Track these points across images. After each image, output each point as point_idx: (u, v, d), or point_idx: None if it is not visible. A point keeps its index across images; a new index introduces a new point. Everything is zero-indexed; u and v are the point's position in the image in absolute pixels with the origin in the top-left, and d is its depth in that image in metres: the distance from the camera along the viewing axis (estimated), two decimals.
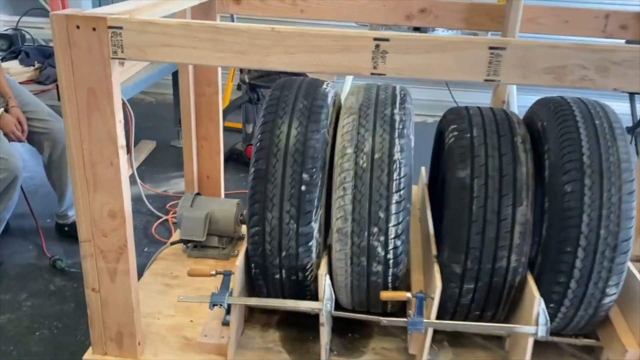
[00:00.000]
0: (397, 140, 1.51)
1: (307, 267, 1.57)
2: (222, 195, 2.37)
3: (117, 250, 1.47)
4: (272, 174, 1.52)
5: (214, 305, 1.53)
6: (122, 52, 1.25)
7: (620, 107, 2.48)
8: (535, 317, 1.44)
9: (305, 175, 1.51)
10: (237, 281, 1.55)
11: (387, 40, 1.20)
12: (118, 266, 1.49)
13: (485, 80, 1.23)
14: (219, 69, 2.16)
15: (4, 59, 3.13)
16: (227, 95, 4.23)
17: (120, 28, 1.23)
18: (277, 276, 1.59)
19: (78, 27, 1.23)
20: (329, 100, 1.63)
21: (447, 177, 1.54)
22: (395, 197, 1.47)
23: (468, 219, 1.45)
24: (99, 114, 1.32)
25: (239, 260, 1.56)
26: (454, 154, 1.52)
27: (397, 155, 1.49)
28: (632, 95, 3.48)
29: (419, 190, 2.15)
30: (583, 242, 1.40)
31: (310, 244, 1.53)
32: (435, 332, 1.71)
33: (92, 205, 1.42)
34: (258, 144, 1.55)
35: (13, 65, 2.99)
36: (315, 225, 1.52)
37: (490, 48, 1.19)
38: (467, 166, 1.48)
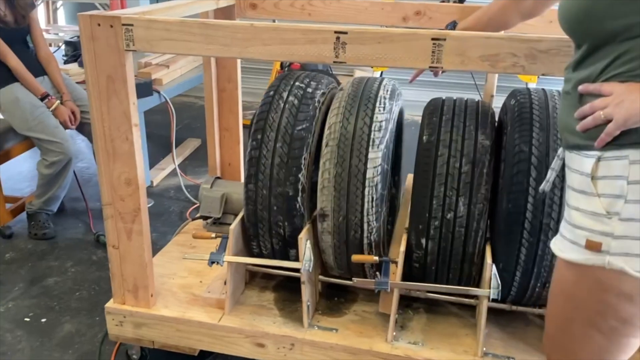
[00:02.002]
0: (378, 107, 1.73)
1: (293, 208, 1.76)
2: (242, 181, 2.63)
3: (132, 212, 1.75)
4: (270, 124, 1.79)
5: (212, 263, 1.78)
6: (134, 45, 1.54)
7: None
8: (488, 281, 1.61)
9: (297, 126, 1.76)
10: (232, 242, 1.80)
11: (345, 33, 1.43)
12: (133, 226, 1.77)
13: (430, 67, 1.43)
14: (239, 68, 2.43)
15: (66, 62, 3.56)
16: None
17: (132, 25, 1.52)
18: (266, 216, 1.79)
19: (99, 24, 1.53)
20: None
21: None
22: (373, 147, 1.67)
23: (433, 170, 1.65)
24: (116, 96, 1.61)
25: (234, 224, 1.81)
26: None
27: (377, 116, 1.72)
28: None
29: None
30: (528, 226, 1.55)
31: (297, 185, 1.74)
32: (413, 300, 1.91)
33: (111, 174, 1.72)
34: (262, 101, 1.83)
35: (72, 67, 3.41)
36: (302, 169, 1.74)
37: (433, 39, 1.39)
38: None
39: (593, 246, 1.04)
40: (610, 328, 1.09)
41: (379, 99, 1.77)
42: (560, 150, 1.24)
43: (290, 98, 1.81)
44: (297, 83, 1.86)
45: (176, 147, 3.66)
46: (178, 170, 3.49)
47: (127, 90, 1.60)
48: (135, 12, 1.58)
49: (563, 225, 1.14)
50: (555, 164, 1.29)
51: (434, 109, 1.78)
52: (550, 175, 1.31)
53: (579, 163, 1.08)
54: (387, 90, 1.82)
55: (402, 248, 1.68)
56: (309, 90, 1.84)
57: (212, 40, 1.48)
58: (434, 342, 1.75)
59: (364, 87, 1.80)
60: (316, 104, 1.82)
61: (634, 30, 1.00)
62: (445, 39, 1.38)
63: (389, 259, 1.67)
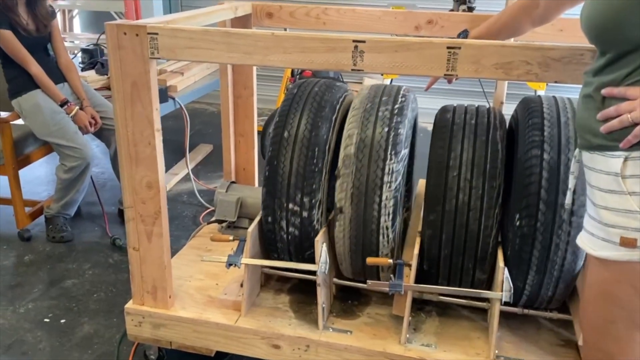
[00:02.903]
0: (400, 98, 1.82)
1: (311, 209, 1.81)
2: (256, 186, 2.69)
3: (153, 215, 1.80)
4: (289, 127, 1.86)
5: (229, 265, 1.82)
6: (158, 52, 1.59)
7: None
8: (500, 284, 1.64)
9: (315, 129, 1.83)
10: (249, 245, 1.84)
11: (363, 42, 1.48)
12: (154, 229, 1.82)
13: (445, 75, 1.47)
14: (254, 75, 2.49)
15: (83, 69, 3.63)
16: (279, 102, 4.60)
17: (157, 34, 1.57)
18: (284, 218, 1.84)
19: (125, 33, 1.59)
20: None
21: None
22: (391, 150, 1.73)
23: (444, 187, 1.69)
24: (140, 102, 1.67)
25: (252, 228, 1.85)
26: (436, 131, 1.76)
27: (395, 119, 1.79)
28: None
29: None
30: (542, 207, 1.58)
31: (314, 186, 1.79)
32: (425, 303, 1.94)
33: (134, 177, 1.77)
34: (281, 104, 1.90)
35: (90, 74, 3.47)
36: (320, 171, 1.80)
37: (448, 47, 1.44)
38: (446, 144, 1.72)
39: (628, 243, 1.07)
40: None
41: (397, 105, 1.82)
42: (576, 152, 1.27)
43: (308, 105, 1.86)
44: (314, 89, 1.91)
45: (189, 152, 3.72)
46: (191, 175, 3.54)
47: (150, 96, 1.65)
48: (159, 22, 1.63)
49: (591, 224, 1.17)
50: (574, 168, 1.32)
51: (446, 116, 1.83)
52: (572, 182, 1.35)
53: (605, 163, 1.12)
54: (405, 97, 1.87)
55: (416, 251, 1.72)
56: (326, 97, 1.88)
57: (234, 48, 1.53)
58: (447, 344, 1.78)
59: (382, 93, 1.85)
60: (334, 110, 1.87)
61: None
62: (460, 47, 1.43)
63: (403, 261, 1.71)
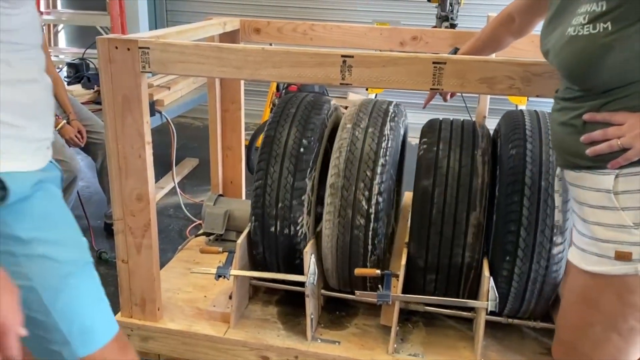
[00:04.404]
0: (388, 123, 1.83)
1: (299, 220, 1.84)
2: (243, 198, 2.70)
3: (142, 227, 1.81)
4: (278, 139, 1.87)
5: (219, 276, 1.84)
6: (149, 66, 1.62)
7: None
8: (486, 293, 1.68)
9: (304, 141, 1.85)
10: (238, 257, 1.86)
11: (351, 57, 1.52)
12: (143, 241, 1.83)
13: (431, 89, 1.52)
14: (242, 89, 2.52)
15: (69, 84, 3.63)
16: (265, 116, 4.63)
17: (148, 48, 1.60)
18: (272, 229, 1.86)
19: (117, 47, 1.61)
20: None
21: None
22: (381, 161, 1.77)
23: (428, 221, 1.73)
24: (130, 115, 1.68)
25: (240, 239, 1.87)
26: (421, 165, 1.79)
27: (387, 132, 1.81)
28: None
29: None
30: (525, 222, 1.63)
31: (302, 197, 1.83)
32: (412, 313, 1.97)
33: (124, 190, 1.78)
34: (270, 117, 1.92)
35: (76, 88, 3.48)
36: (308, 182, 1.83)
37: (434, 63, 1.49)
38: (431, 176, 1.75)
39: (623, 256, 1.11)
40: (629, 329, 1.16)
41: (387, 118, 1.86)
42: (558, 170, 1.31)
43: (297, 119, 1.89)
44: (303, 103, 1.95)
45: (175, 166, 3.72)
46: (177, 189, 3.55)
47: (141, 109, 1.67)
48: (150, 36, 1.66)
49: (582, 240, 1.20)
50: (557, 185, 1.36)
51: (432, 129, 1.87)
52: (557, 200, 1.39)
53: (594, 181, 1.15)
54: (396, 112, 1.91)
55: (403, 261, 1.75)
56: (314, 111, 1.92)
57: (225, 62, 1.56)
58: (434, 354, 1.81)
59: (372, 107, 1.89)
60: (322, 124, 1.90)
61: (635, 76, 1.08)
62: (445, 63, 1.48)
63: (391, 272, 1.74)
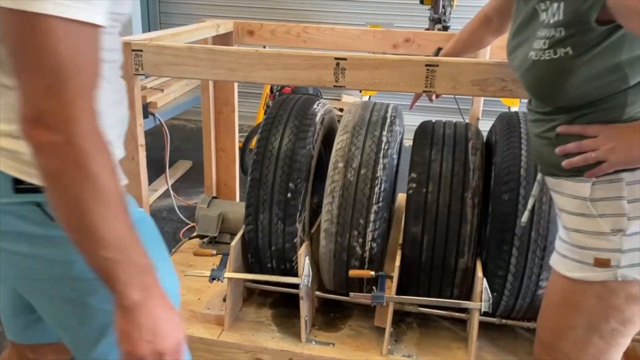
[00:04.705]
0: (381, 160, 1.79)
1: (293, 259, 1.87)
2: (237, 200, 2.70)
3: None
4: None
5: (213, 279, 1.83)
6: (142, 69, 1.62)
7: None
8: (479, 294, 1.69)
9: (291, 184, 1.83)
10: (232, 259, 1.86)
11: (345, 59, 1.53)
12: None
13: (424, 91, 1.52)
14: (236, 92, 2.52)
15: None
16: (259, 118, 4.63)
17: (141, 50, 1.60)
18: (269, 265, 1.90)
19: None
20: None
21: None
22: (374, 208, 1.76)
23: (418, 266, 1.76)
24: None
25: (235, 242, 1.87)
26: (410, 209, 1.79)
27: (379, 173, 1.78)
28: None
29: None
30: (517, 242, 1.64)
31: (295, 241, 1.84)
32: (406, 315, 1.98)
33: None
34: (254, 156, 1.88)
35: None
36: (299, 226, 1.83)
37: (427, 65, 1.50)
38: (420, 222, 1.75)
39: (602, 263, 1.11)
40: (611, 331, 1.16)
41: (386, 121, 1.86)
42: (539, 176, 1.31)
43: (290, 121, 1.89)
44: (296, 105, 1.95)
45: (168, 168, 3.71)
46: (171, 191, 3.54)
47: (135, 112, 1.67)
48: (143, 39, 1.66)
49: (563, 247, 1.20)
50: (535, 190, 1.36)
51: (425, 131, 1.88)
52: (531, 202, 1.39)
53: (572, 188, 1.15)
54: (393, 114, 1.92)
55: (397, 263, 1.75)
56: (308, 114, 1.92)
57: (219, 65, 1.57)
58: (428, 354, 1.81)
59: (371, 110, 1.89)
60: (316, 127, 1.90)
61: (603, 94, 1.09)
62: (438, 65, 1.49)
63: (385, 273, 1.75)
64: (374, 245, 1.78)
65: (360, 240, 1.77)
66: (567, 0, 1.04)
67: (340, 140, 1.86)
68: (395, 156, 1.86)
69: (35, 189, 0.88)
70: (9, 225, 0.92)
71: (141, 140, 1.72)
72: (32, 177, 0.88)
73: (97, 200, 0.79)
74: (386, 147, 1.81)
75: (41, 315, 1.08)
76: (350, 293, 1.79)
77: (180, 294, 1.19)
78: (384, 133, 1.84)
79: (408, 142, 1.98)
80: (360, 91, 4.23)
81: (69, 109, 0.75)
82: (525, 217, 1.42)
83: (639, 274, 1.10)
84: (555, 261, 1.23)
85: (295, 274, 1.86)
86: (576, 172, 1.14)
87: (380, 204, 1.77)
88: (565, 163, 1.14)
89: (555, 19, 1.06)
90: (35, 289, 1.02)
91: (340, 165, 1.81)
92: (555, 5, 1.07)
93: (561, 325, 1.24)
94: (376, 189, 1.77)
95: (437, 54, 1.87)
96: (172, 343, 0.89)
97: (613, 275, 1.11)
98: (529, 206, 1.41)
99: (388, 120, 1.89)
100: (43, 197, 0.84)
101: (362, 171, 1.78)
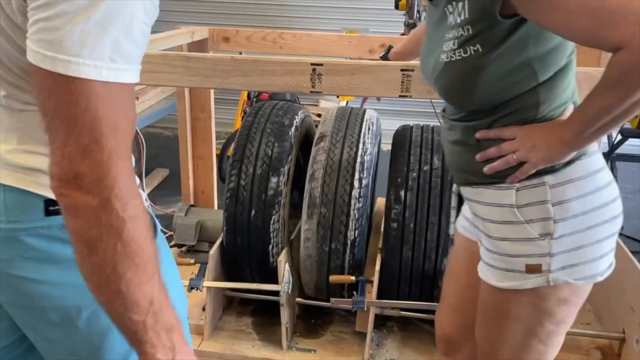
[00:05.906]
0: (359, 166, 1.81)
1: (273, 266, 1.85)
2: (215, 208, 2.68)
3: None
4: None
5: (191, 288, 1.81)
6: None
7: None
8: None
9: (269, 191, 1.83)
10: (211, 268, 1.84)
11: (321, 65, 1.52)
12: None
13: (400, 96, 1.53)
14: (212, 98, 2.50)
15: None
16: (237, 124, 4.61)
17: None
18: (249, 272, 1.87)
19: None
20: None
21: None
22: (353, 213, 1.78)
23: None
24: None
25: (213, 250, 1.85)
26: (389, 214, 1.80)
27: (357, 178, 1.80)
28: None
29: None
30: None
31: (274, 248, 1.83)
32: (387, 319, 1.98)
33: None
34: (232, 164, 1.88)
35: None
36: (279, 233, 1.84)
37: (402, 70, 1.50)
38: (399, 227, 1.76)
39: (533, 269, 1.10)
40: (547, 333, 1.15)
41: (364, 127, 1.87)
42: (455, 187, 1.29)
43: (268, 128, 1.88)
44: (274, 112, 1.95)
45: (145, 177, 3.67)
46: (148, 200, 3.48)
47: None
48: None
49: (490, 257, 1.16)
50: (454, 202, 1.34)
51: (403, 135, 1.89)
52: (453, 215, 1.37)
53: (495, 196, 1.13)
54: (372, 121, 1.92)
55: (377, 267, 1.75)
56: (285, 120, 1.92)
57: (194, 72, 1.55)
58: (409, 358, 1.82)
59: (348, 116, 1.90)
60: (293, 133, 1.90)
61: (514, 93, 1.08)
62: (413, 70, 1.49)
63: (365, 278, 1.74)
64: (354, 250, 1.78)
65: (340, 245, 1.77)
66: None
67: (317, 148, 1.86)
68: (373, 161, 1.87)
69: None
70: (36, 252, 0.87)
71: None
72: None
73: (131, 265, 0.75)
74: (364, 153, 1.82)
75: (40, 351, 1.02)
76: (331, 299, 1.78)
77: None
78: (361, 139, 1.84)
79: (386, 147, 1.99)
80: (338, 96, 4.24)
81: (106, 169, 0.73)
82: (452, 230, 1.39)
83: (569, 276, 1.09)
84: (483, 272, 1.19)
85: (275, 281, 1.85)
86: (497, 179, 1.12)
87: (359, 210, 1.77)
88: (487, 168, 1.12)
89: (462, 18, 1.06)
90: (49, 319, 0.96)
91: (319, 171, 1.81)
92: (460, 4, 1.06)
93: (499, 335, 1.21)
94: (355, 194, 1.77)
95: (387, 52, 1.83)
96: None
97: (545, 280, 1.10)
98: (452, 219, 1.38)
99: (365, 126, 1.90)
100: None
101: (341, 177, 1.78)
